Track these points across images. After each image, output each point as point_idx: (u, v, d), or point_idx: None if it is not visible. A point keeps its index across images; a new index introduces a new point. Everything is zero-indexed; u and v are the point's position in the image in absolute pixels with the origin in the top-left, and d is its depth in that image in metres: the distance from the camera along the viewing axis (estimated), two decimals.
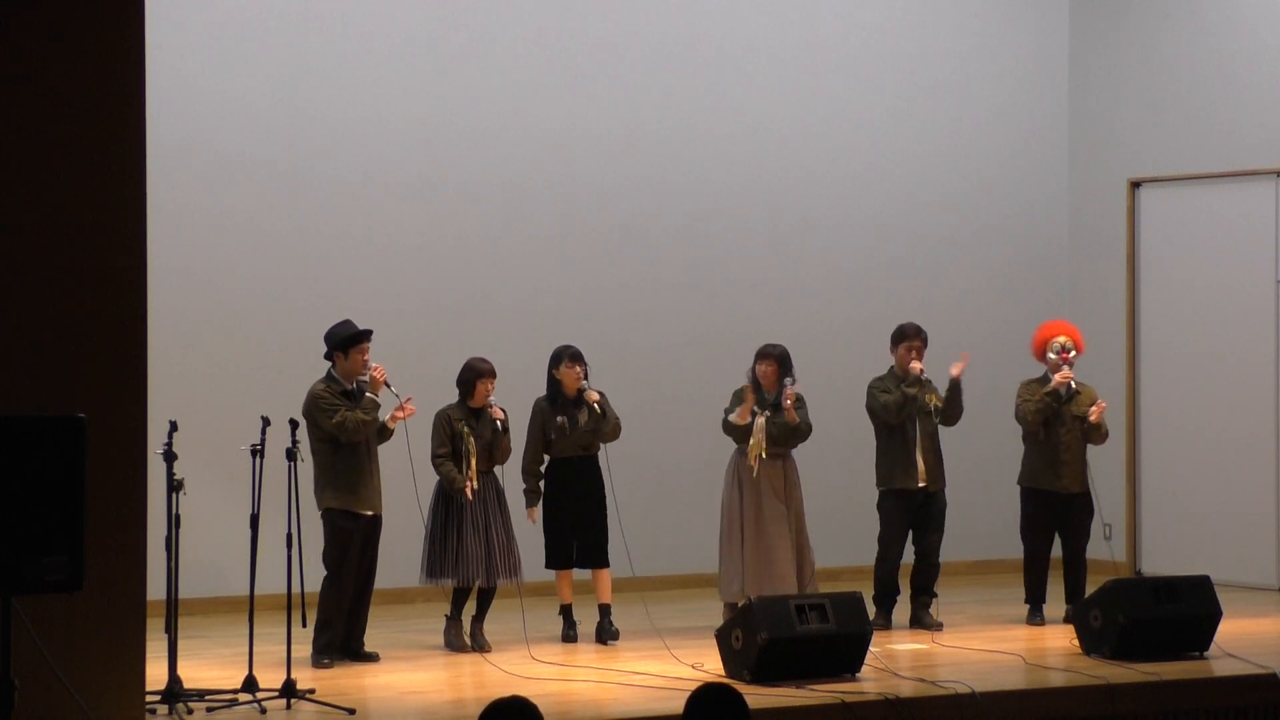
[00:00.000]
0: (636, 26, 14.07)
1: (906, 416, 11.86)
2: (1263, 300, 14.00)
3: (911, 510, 11.94)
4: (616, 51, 14.00)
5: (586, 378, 11.37)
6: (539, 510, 11.35)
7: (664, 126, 14.11)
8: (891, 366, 12.01)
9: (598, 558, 11.43)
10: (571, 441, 11.35)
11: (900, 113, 14.87)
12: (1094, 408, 12.01)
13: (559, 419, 11.32)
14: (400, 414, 10.76)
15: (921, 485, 11.89)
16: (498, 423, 11.09)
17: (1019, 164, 15.24)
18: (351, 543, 10.58)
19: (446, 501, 11.02)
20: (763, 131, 14.42)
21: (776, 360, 11.65)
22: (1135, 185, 14.85)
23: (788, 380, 11.59)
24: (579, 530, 11.36)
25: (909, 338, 12.00)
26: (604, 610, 11.40)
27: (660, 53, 14.13)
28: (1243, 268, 14.11)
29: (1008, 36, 15.24)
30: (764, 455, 11.54)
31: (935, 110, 14.99)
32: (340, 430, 10.49)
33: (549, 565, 11.44)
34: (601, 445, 11.44)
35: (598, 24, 13.95)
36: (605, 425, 11.33)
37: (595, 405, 11.27)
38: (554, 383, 11.42)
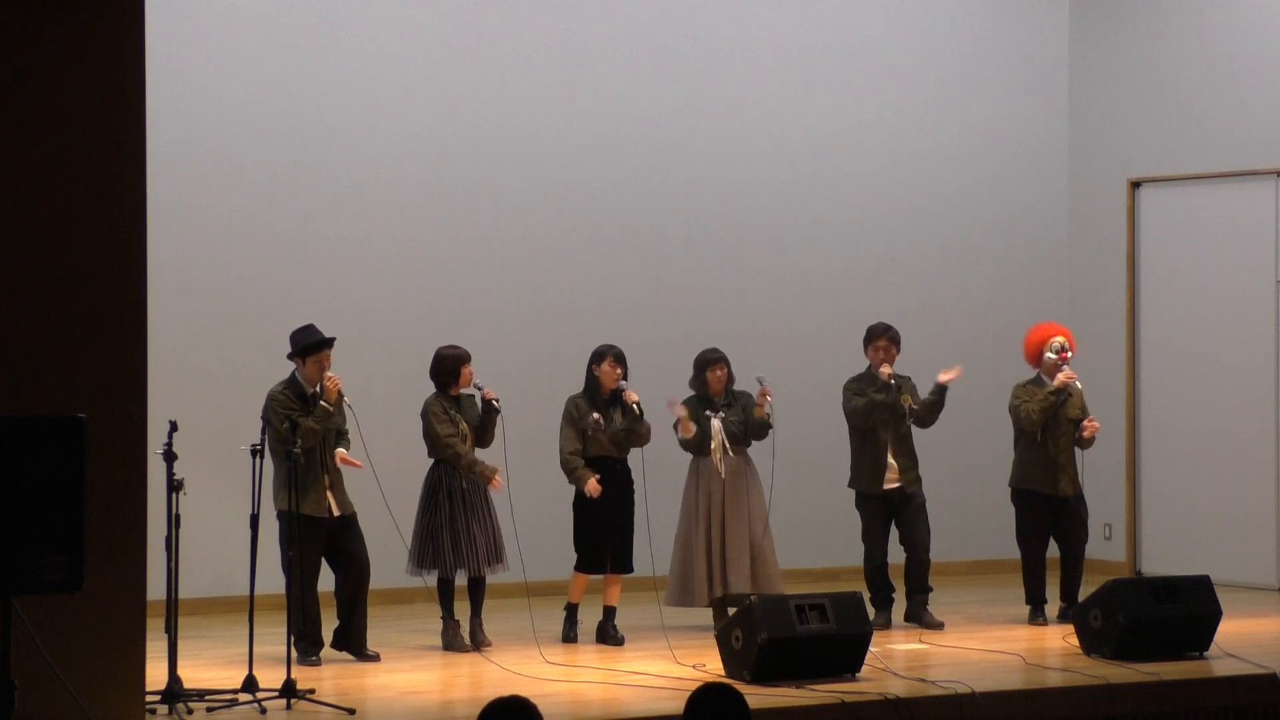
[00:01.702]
0: (637, 26, 14.07)
1: (876, 421, 11.86)
2: (1263, 300, 14.00)
3: (887, 509, 11.96)
4: (616, 51, 14.00)
5: (625, 379, 11.38)
6: (593, 483, 11.27)
7: (664, 126, 14.12)
8: (869, 366, 12.04)
9: (627, 564, 11.41)
10: (605, 440, 11.34)
11: (900, 113, 14.87)
12: (1088, 424, 12.02)
13: (594, 415, 11.31)
14: (348, 461, 10.69)
15: (895, 486, 11.90)
16: (492, 402, 11.07)
17: (1019, 164, 15.24)
18: (302, 544, 10.39)
19: (449, 492, 11.00)
20: (763, 132, 14.43)
21: (727, 363, 11.69)
22: (1135, 185, 14.85)
23: (761, 377, 11.61)
24: (612, 535, 11.33)
25: (876, 338, 12.00)
26: (609, 613, 11.39)
27: (660, 53, 14.13)
28: (1243, 268, 14.11)
29: (1008, 36, 15.24)
30: (729, 454, 11.56)
31: (935, 110, 14.99)
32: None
33: (582, 569, 11.38)
34: (632, 448, 11.44)
35: (598, 24, 13.95)
36: (641, 427, 11.34)
37: (635, 406, 11.28)
38: (592, 379, 11.41)
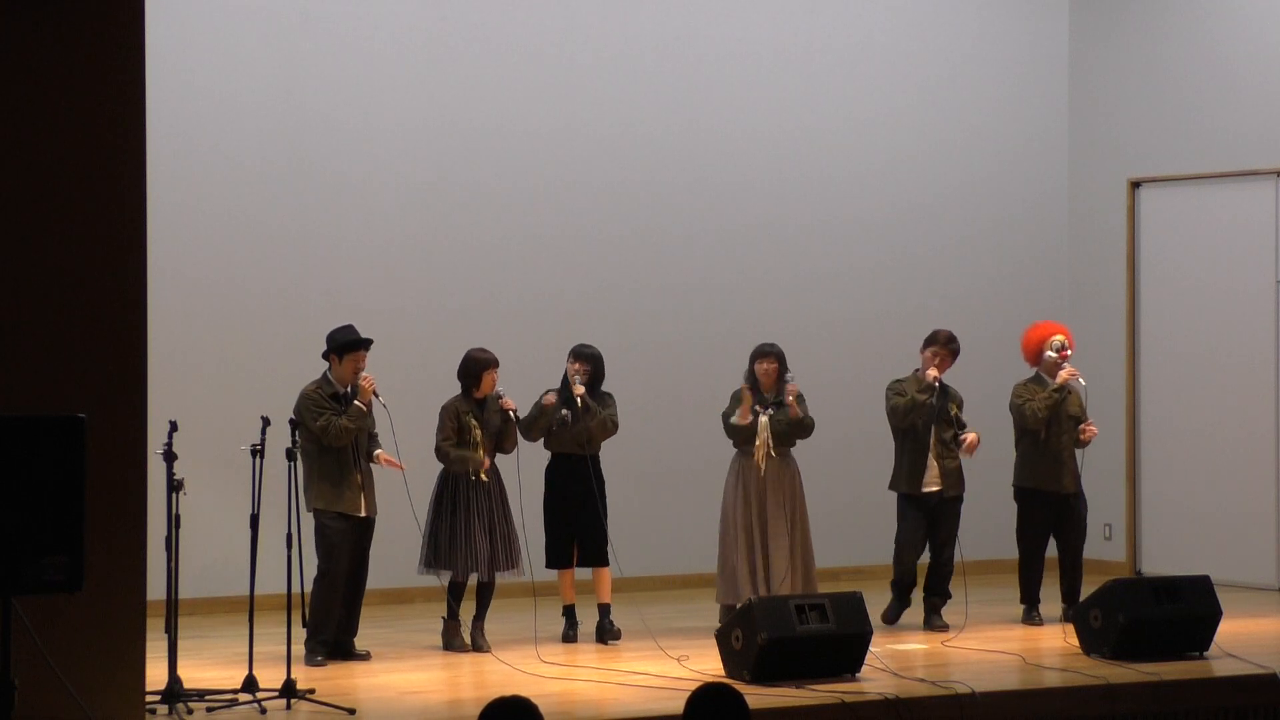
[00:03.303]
0: (636, 26, 14.07)
1: (917, 421, 11.84)
2: (1263, 300, 14.00)
3: (926, 513, 11.92)
4: (616, 51, 13.99)
5: (594, 377, 11.36)
6: (550, 397, 11.29)
7: (664, 126, 14.11)
8: (916, 369, 12.02)
9: (597, 557, 11.42)
10: (570, 436, 11.34)
11: (900, 113, 14.87)
12: (1086, 428, 12.03)
13: (563, 411, 11.32)
14: (390, 462, 10.75)
15: (935, 489, 11.87)
16: (510, 412, 11.10)
17: (1019, 164, 15.24)
18: (339, 542, 10.57)
19: (452, 495, 11.02)
20: (763, 131, 14.42)
21: (777, 358, 11.66)
22: (1135, 185, 14.85)
23: (788, 376, 11.60)
24: (579, 530, 11.36)
25: (933, 344, 12.00)
26: (603, 610, 11.40)
27: (660, 53, 14.13)
28: (1243, 268, 14.11)
29: (1008, 36, 15.24)
30: (772, 454, 11.53)
31: (935, 110, 14.99)
32: (324, 434, 10.51)
33: (550, 565, 11.44)
34: (601, 445, 11.45)
35: (598, 24, 13.95)
36: (590, 420, 11.31)
37: (579, 399, 11.28)
38: (565, 377, 11.44)
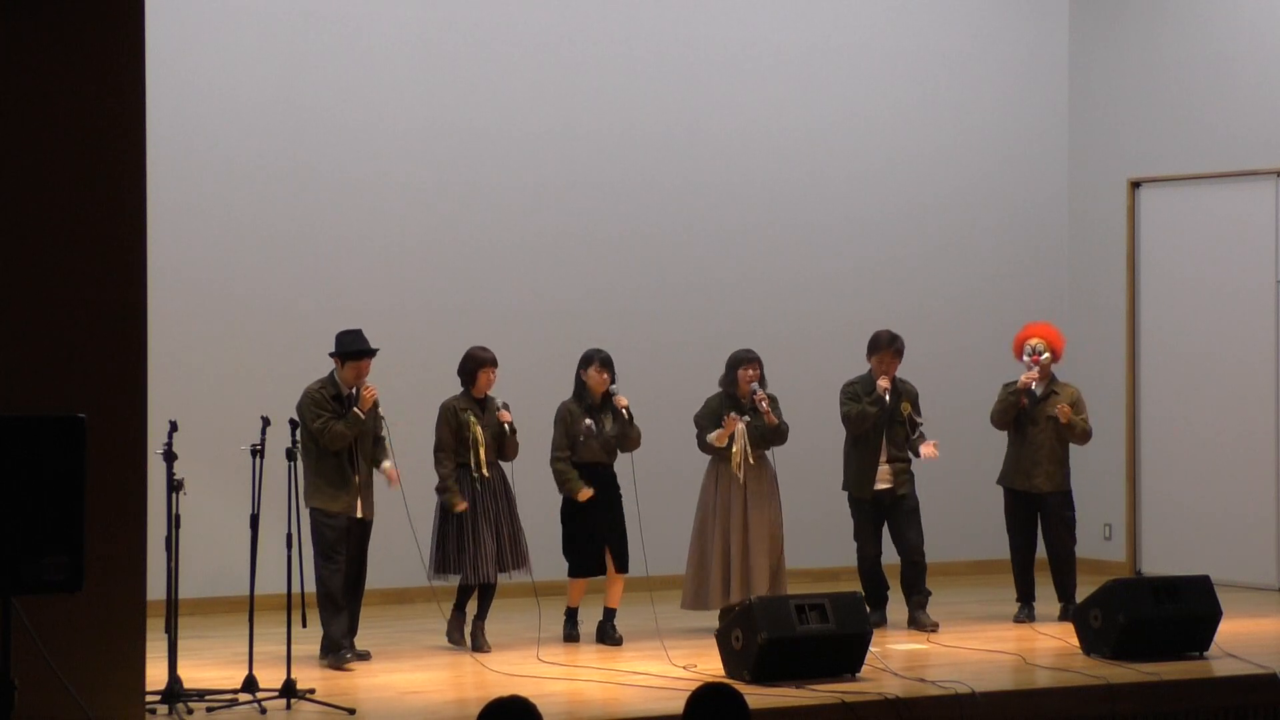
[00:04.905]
0: (636, 26, 14.08)
1: (867, 429, 11.84)
2: (1263, 300, 14.00)
3: (878, 510, 11.97)
4: (616, 51, 14.00)
5: (614, 383, 11.36)
6: (586, 491, 11.23)
7: (664, 127, 14.12)
8: (870, 370, 12.03)
9: (622, 564, 11.38)
10: (597, 446, 11.31)
11: (900, 113, 14.87)
12: (1060, 407, 12.05)
13: (586, 421, 11.28)
14: (392, 477, 10.73)
15: (885, 488, 11.90)
16: (505, 425, 11.08)
17: (1019, 164, 15.24)
18: (334, 542, 10.55)
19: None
20: (763, 132, 14.43)
21: (760, 364, 11.64)
22: (1135, 185, 14.85)
23: (754, 386, 11.56)
24: (606, 538, 11.31)
25: (880, 349, 11.97)
26: (609, 614, 11.38)
27: (660, 53, 14.13)
28: (1243, 268, 14.11)
29: (1008, 36, 15.24)
30: (749, 460, 11.53)
31: (935, 110, 14.99)
32: (320, 436, 10.51)
33: (575, 575, 11.37)
34: (619, 453, 11.42)
35: (598, 24, 13.95)
36: (632, 430, 11.31)
37: (624, 410, 11.25)
38: (581, 385, 11.39)
